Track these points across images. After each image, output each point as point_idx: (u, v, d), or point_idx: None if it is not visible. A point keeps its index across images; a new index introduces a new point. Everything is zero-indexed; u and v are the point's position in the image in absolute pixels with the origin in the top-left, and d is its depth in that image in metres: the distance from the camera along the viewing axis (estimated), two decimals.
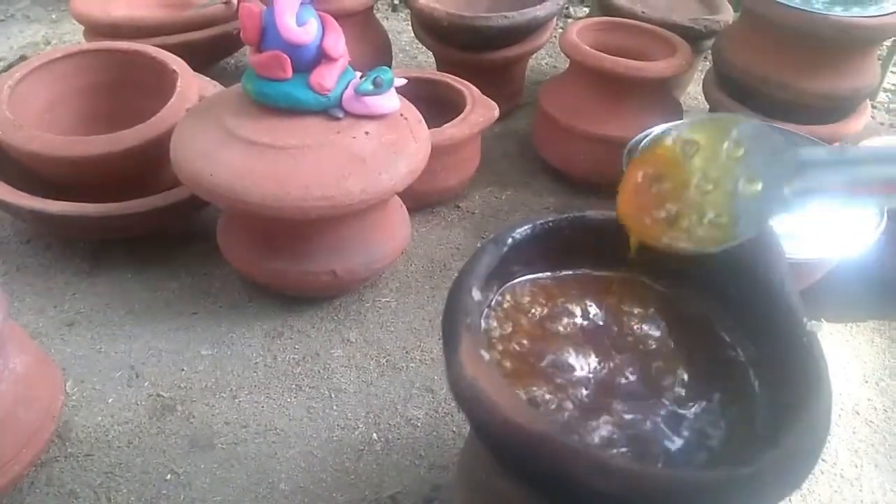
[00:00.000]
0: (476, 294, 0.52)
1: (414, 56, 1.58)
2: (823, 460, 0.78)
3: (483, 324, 0.55)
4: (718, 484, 0.42)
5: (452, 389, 0.45)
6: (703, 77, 1.23)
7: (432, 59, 1.38)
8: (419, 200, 1.05)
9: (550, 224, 0.59)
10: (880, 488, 0.76)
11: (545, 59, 1.59)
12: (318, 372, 0.83)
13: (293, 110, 0.78)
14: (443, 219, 1.10)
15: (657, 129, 0.98)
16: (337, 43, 0.78)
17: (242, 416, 0.78)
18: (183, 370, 0.83)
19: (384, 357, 0.86)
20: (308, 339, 0.87)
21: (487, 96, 1.09)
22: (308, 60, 0.78)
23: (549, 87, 1.18)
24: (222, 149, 0.76)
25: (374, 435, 0.77)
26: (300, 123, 0.78)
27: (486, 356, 0.47)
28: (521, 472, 0.47)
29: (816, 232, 0.82)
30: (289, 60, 0.76)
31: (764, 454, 0.42)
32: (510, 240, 0.57)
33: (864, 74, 1.05)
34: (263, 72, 0.78)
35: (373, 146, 0.78)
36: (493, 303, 0.57)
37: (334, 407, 0.80)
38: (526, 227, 0.58)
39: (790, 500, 0.74)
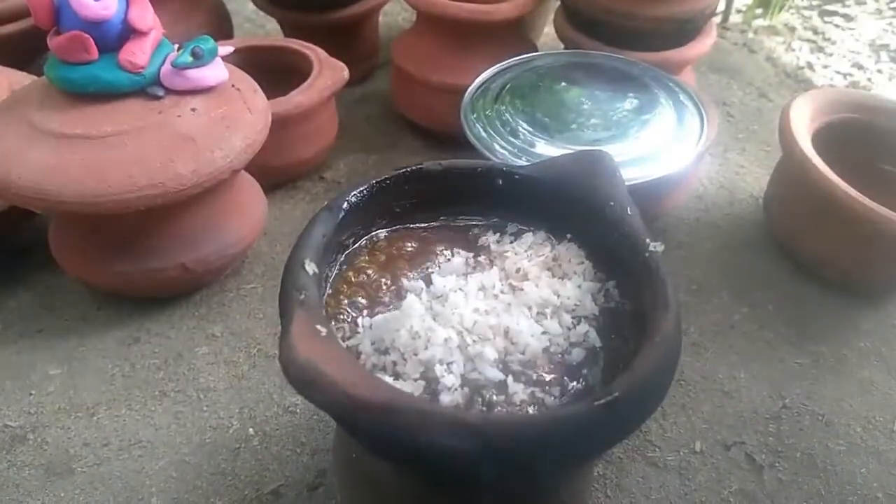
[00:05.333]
0: (310, 267, 0.48)
1: (261, 25, 1.49)
2: (704, 377, 0.80)
3: (329, 289, 0.52)
4: (575, 420, 0.40)
5: (284, 374, 0.41)
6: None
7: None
8: (277, 176, 1.00)
9: (388, 181, 0.56)
10: (758, 396, 0.78)
11: (401, 14, 1.55)
12: (183, 374, 0.77)
13: (106, 95, 0.71)
14: (307, 193, 1.04)
15: (489, 72, 0.96)
16: (144, 14, 0.71)
17: (103, 433, 0.72)
18: (31, 394, 0.76)
19: (254, 347, 0.80)
20: (168, 341, 0.81)
21: (341, 59, 1.03)
22: (114, 37, 0.70)
23: (401, 41, 1.13)
24: (29, 147, 0.68)
25: (251, 430, 0.72)
26: (116, 108, 0.70)
27: (324, 331, 0.43)
28: (377, 445, 0.44)
29: (652, 155, 0.83)
30: (91, 40, 0.69)
31: (617, 381, 0.41)
32: (346, 204, 0.54)
33: None
34: (65, 56, 0.70)
35: (201, 123, 0.71)
36: (340, 268, 0.54)
37: (204, 408, 0.74)
38: (362, 188, 0.55)
39: (675, 421, 0.75)
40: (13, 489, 0.68)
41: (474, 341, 0.47)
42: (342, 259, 0.54)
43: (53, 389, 0.76)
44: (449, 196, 0.58)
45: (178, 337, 0.81)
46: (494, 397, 0.45)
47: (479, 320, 0.48)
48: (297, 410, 0.74)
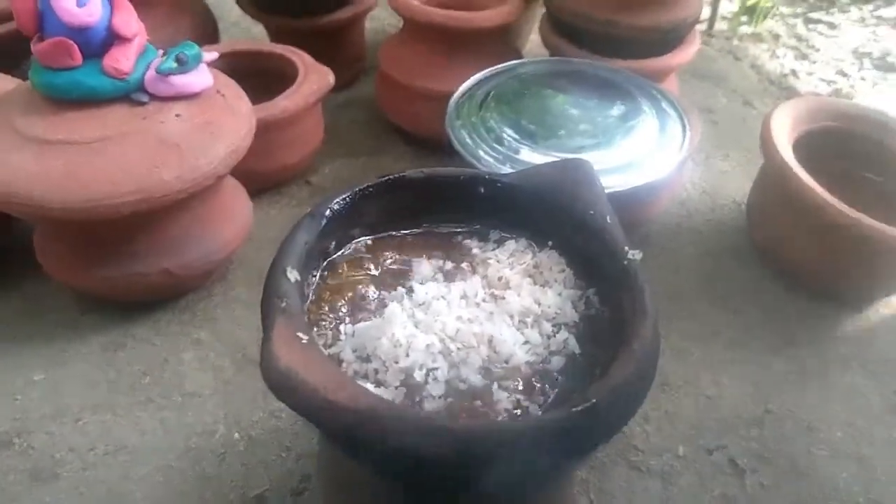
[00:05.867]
0: (292, 274, 0.48)
1: (247, 29, 1.49)
2: (687, 382, 0.81)
3: (312, 296, 0.52)
4: (553, 427, 0.41)
5: (265, 380, 0.41)
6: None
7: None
8: (262, 181, 1.00)
9: (371, 189, 0.57)
10: (742, 401, 0.79)
11: (388, 19, 1.55)
12: (168, 379, 0.77)
13: (90, 100, 0.71)
14: (292, 198, 1.04)
15: (475, 79, 0.97)
16: (128, 21, 0.71)
17: (88, 439, 0.72)
18: (17, 400, 0.76)
19: (240, 352, 0.80)
20: (153, 347, 0.81)
21: (328, 64, 1.04)
22: (98, 43, 0.70)
23: (387, 47, 1.14)
24: (12, 153, 0.68)
25: (236, 435, 0.72)
26: (99, 114, 0.71)
27: (305, 338, 0.44)
28: (358, 451, 0.44)
29: (635, 162, 0.84)
30: (75, 46, 0.69)
31: (595, 387, 0.42)
32: (328, 211, 0.54)
33: (687, 4, 1.07)
34: (49, 61, 0.70)
35: (186, 129, 0.72)
36: (322, 275, 0.54)
37: (189, 414, 0.74)
38: (344, 196, 0.55)
39: (659, 426, 0.76)
40: None
41: (458, 348, 0.47)
42: (325, 266, 0.55)
43: (38, 395, 0.76)
44: (432, 204, 0.58)
45: (164, 342, 0.81)
46: (479, 404, 0.45)
47: (462, 328, 0.48)
48: (283, 415, 0.74)
